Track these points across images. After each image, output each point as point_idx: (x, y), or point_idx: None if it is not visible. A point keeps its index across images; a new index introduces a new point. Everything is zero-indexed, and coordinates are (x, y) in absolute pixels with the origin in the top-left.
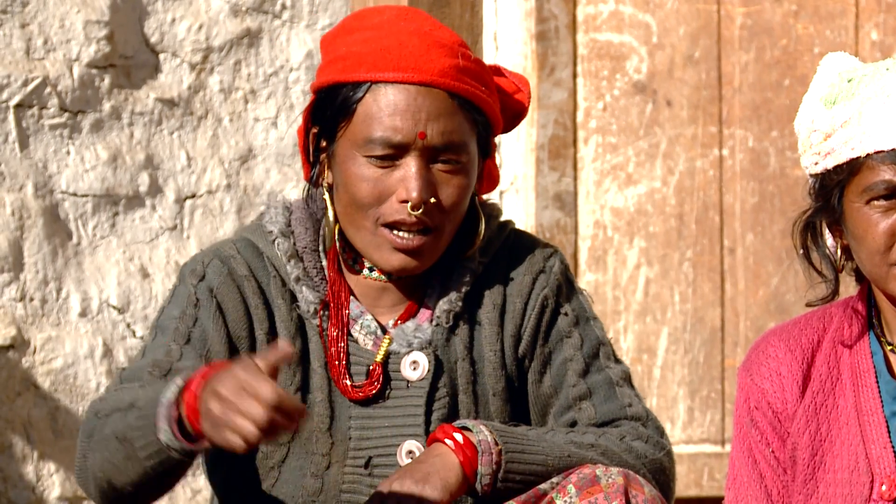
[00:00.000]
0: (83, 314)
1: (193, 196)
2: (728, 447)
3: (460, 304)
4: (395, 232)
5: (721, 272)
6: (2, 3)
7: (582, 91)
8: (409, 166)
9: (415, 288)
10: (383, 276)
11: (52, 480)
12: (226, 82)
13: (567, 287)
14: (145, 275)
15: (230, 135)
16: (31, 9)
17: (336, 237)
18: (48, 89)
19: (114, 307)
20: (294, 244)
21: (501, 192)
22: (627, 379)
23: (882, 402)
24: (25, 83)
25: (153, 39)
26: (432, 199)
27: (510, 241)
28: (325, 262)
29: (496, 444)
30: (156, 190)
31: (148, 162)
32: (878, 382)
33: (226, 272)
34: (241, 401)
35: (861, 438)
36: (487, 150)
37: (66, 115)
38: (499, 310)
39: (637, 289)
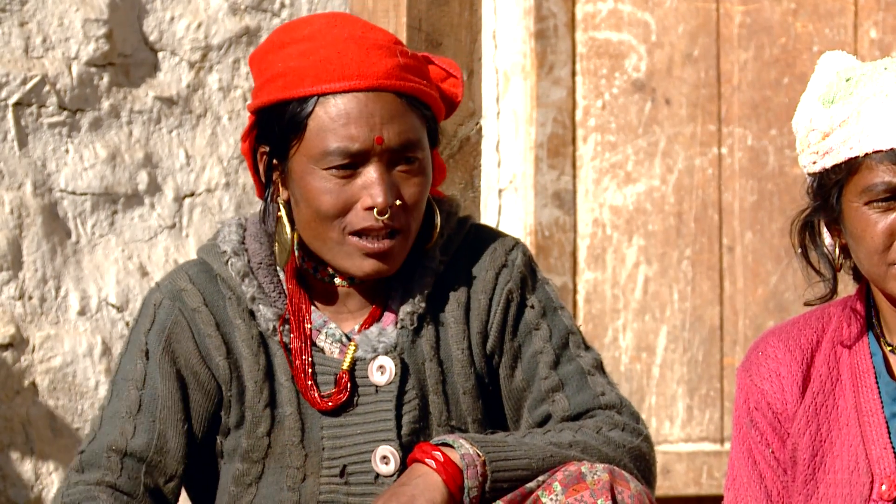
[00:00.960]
0: (82, 313)
1: (192, 194)
2: (727, 445)
3: (423, 304)
4: (364, 239)
5: (720, 270)
6: (0, 2)
7: (581, 89)
8: (370, 172)
9: (377, 292)
10: (345, 283)
11: (51, 479)
12: (225, 81)
13: (531, 279)
14: (144, 273)
15: (229, 133)
16: (29, 7)
17: (294, 249)
18: (47, 88)
19: (113, 305)
20: (248, 261)
21: (500, 191)
22: (599, 367)
23: (882, 402)
24: (24, 81)
25: (152, 38)
26: (398, 202)
27: (470, 237)
28: (282, 276)
29: (479, 455)
30: (155, 188)
31: (147, 160)
32: (877, 383)
33: (177, 311)
34: None
35: (861, 439)
36: (435, 142)
37: (65, 113)
38: (463, 308)
39: (636, 287)
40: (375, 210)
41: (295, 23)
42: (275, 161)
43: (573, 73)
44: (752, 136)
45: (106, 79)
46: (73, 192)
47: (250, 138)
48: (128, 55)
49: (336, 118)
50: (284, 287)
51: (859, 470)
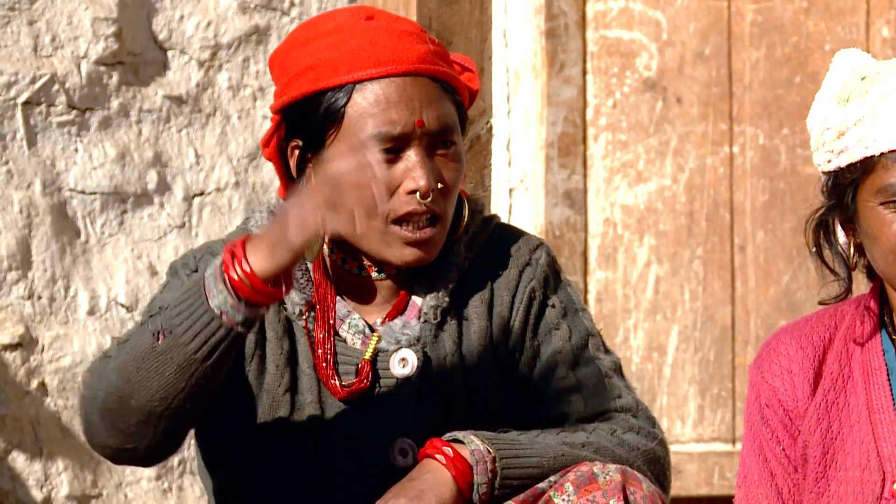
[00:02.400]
0: (91, 312)
1: (202, 194)
2: (739, 446)
3: (447, 299)
4: (406, 227)
5: (731, 270)
6: (9, 1)
7: (592, 88)
8: (412, 156)
9: (402, 285)
10: (374, 274)
11: (61, 479)
12: (234, 79)
13: (554, 279)
14: (154, 273)
15: (238, 132)
16: (38, 6)
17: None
18: (56, 87)
19: (122, 305)
20: None
21: (511, 190)
22: (617, 370)
23: (894, 400)
24: (33, 81)
25: (161, 36)
26: (439, 185)
27: (496, 235)
28: (310, 265)
29: (489, 451)
30: (164, 188)
31: (156, 159)
32: (889, 380)
33: None
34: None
35: (872, 436)
36: (463, 130)
37: (74, 112)
38: (486, 304)
39: (647, 287)
40: (418, 193)
41: (316, 19)
42: (308, 154)
43: (584, 72)
44: (764, 135)
45: (115, 78)
46: (83, 192)
47: (276, 138)
48: (137, 54)
49: (375, 103)
50: (311, 275)
51: (871, 467)
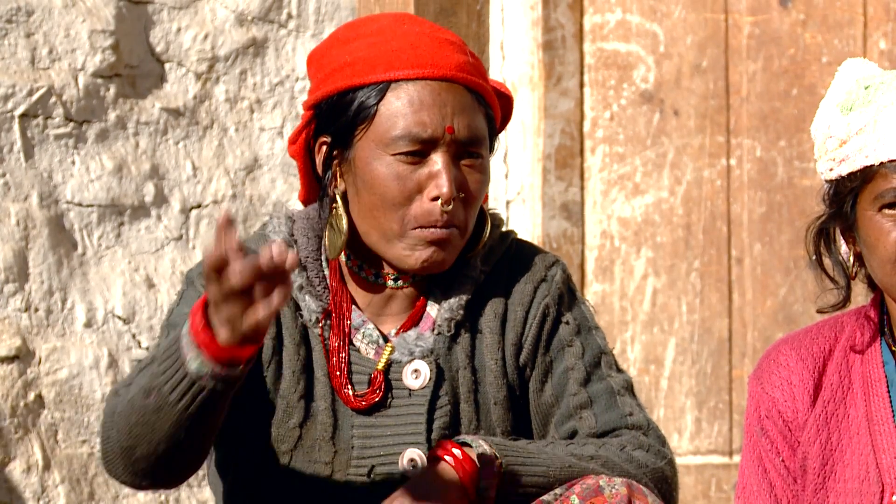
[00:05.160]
0: (88, 325)
1: (199, 206)
2: (736, 458)
3: (462, 312)
4: (424, 229)
5: (728, 282)
6: (7, 13)
7: (589, 100)
8: (437, 162)
9: (417, 297)
10: (388, 283)
11: (58, 491)
12: (231, 92)
13: (568, 296)
14: (151, 285)
15: (236, 144)
16: (36, 18)
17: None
18: (53, 99)
19: (119, 318)
20: (297, 253)
21: (508, 202)
22: (629, 388)
23: (893, 411)
24: (30, 93)
25: (158, 49)
26: (461, 195)
27: (512, 251)
28: (327, 272)
29: (496, 456)
30: (161, 200)
31: (153, 172)
32: (889, 392)
33: None
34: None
35: (871, 448)
36: (491, 149)
37: (72, 124)
38: (500, 318)
39: (644, 299)
40: (440, 200)
41: (359, 21)
42: (335, 151)
43: (581, 85)
44: (761, 147)
45: (112, 90)
46: (80, 204)
47: (305, 133)
48: (134, 66)
49: (408, 104)
50: (329, 283)
51: (869, 479)
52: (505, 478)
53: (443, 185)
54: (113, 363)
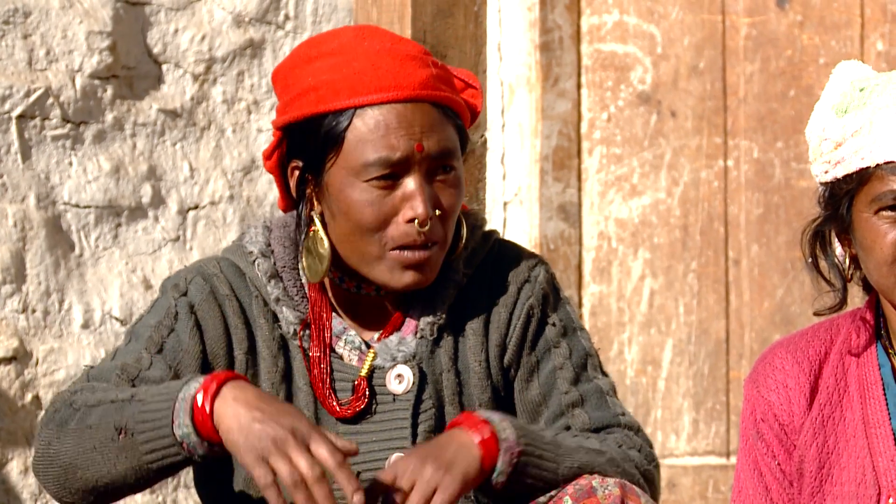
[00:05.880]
0: (86, 326)
1: (196, 207)
2: (733, 459)
3: (444, 316)
4: (403, 251)
5: (726, 284)
6: (4, 14)
7: (586, 102)
8: (410, 183)
9: (399, 301)
10: (372, 293)
11: None
12: (229, 93)
13: (553, 296)
14: (148, 286)
15: (233, 146)
16: (33, 20)
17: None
18: (50, 100)
19: (116, 319)
20: (274, 264)
21: (505, 203)
22: (615, 392)
23: (889, 414)
24: (28, 94)
25: (156, 50)
26: (437, 212)
27: (494, 252)
28: (304, 280)
29: (518, 444)
30: (158, 201)
31: (150, 173)
32: (885, 394)
33: (208, 290)
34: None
35: (868, 451)
36: (463, 152)
37: (69, 126)
38: (483, 320)
39: (641, 300)
40: (416, 221)
41: (320, 37)
42: (308, 176)
43: (578, 86)
44: (759, 148)
45: (109, 91)
46: (77, 205)
47: (277, 154)
48: (131, 67)
49: (375, 129)
50: (307, 292)
51: (866, 482)
52: (518, 467)
53: (418, 207)
54: None
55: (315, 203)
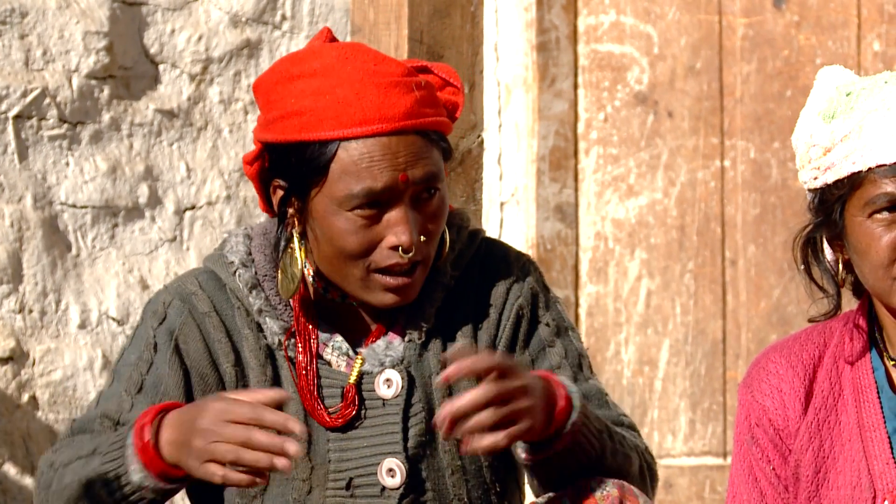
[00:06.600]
0: (82, 326)
1: (193, 207)
2: (730, 459)
3: (432, 319)
4: (387, 275)
5: (722, 284)
6: (1, 15)
7: (583, 102)
8: (395, 212)
9: (385, 309)
10: (354, 302)
11: None
12: (226, 93)
13: (543, 295)
14: (145, 286)
15: (230, 146)
16: (30, 20)
17: (303, 285)
18: (47, 100)
19: (113, 319)
20: (255, 273)
21: (502, 204)
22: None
23: (884, 418)
24: (24, 94)
25: (153, 50)
26: (422, 237)
27: (482, 252)
28: None
29: (576, 425)
30: (155, 201)
31: (147, 173)
32: (880, 398)
33: (186, 311)
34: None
35: (863, 455)
36: (447, 159)
37: (66, 126)
38: (472, 322)
39: (638, 300)
40: (400, 248)
41: (302, 54)
42: (292, 198)
43: (575, 86)
44: (755, 148)
45: (106, 91)
46: (74, 205)
47: (259, 164)
48: (128, 68)
49: (360, 161)
50: (291, 302)
51: (862, 486)
52: (563, 452)
53: (402, 235)
54: (107, 364)
55: (296, 222)
